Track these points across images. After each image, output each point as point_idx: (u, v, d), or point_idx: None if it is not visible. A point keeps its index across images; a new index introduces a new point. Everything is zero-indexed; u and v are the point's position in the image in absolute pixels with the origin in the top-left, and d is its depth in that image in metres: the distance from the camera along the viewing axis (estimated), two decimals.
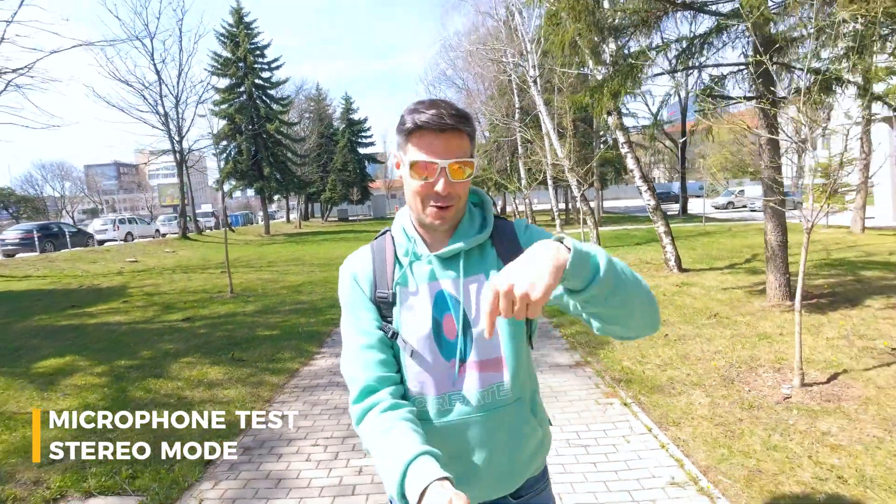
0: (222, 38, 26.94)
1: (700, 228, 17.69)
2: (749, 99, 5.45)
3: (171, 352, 5.44)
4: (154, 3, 32.12)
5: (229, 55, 26.93)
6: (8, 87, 13.10)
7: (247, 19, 27.38)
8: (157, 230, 27.96)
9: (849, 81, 5.60)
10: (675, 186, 45.11)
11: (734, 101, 6.14)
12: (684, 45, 5.43)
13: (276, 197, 33.00)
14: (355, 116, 43.93)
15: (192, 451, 3.07)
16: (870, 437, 2.92)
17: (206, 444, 3.13)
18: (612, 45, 7.01)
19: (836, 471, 2.62)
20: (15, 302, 9.13)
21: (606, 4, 6.31)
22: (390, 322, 1.03)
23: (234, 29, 26.92)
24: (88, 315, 7.55)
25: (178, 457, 3.02)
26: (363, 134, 44.64)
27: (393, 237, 1.10)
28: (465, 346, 1.02)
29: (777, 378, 3.90)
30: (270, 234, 27.42)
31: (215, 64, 26.73)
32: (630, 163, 8.41)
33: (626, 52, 6.36)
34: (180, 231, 23.51)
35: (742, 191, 33.98)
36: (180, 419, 3.43)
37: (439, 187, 0.95)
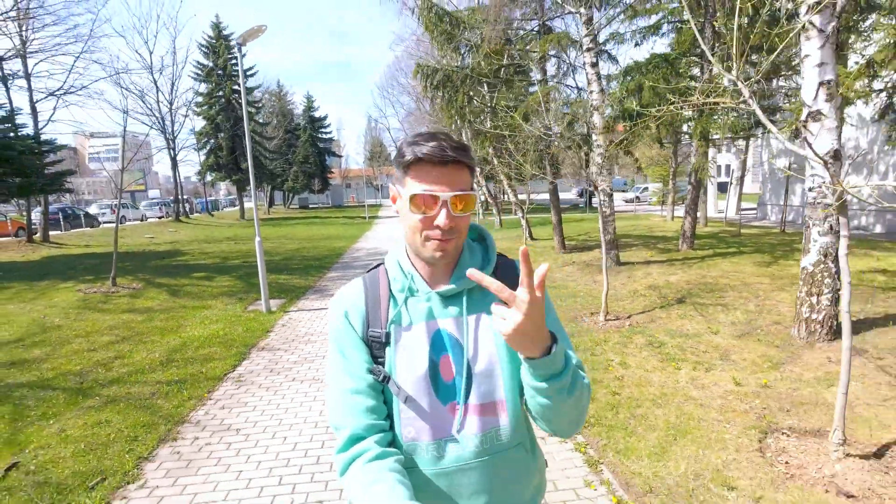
0: (204, 49, 31.20)
1: (582, 217, 24.24)
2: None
3: (254, 272, 10.89)
4: (152, 24, 35.32)
5: (210, 64, 31.23)
6: (59, 105, 17.81)
7: (225, 33, 31.71)
8: (144, 215, 32.04)
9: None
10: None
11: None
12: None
13: (247, 187, 37.33)
14: (316, 114, 48.53)
15: (295, 290, 8.78)
16: None
17: (300, 289, 8.85)
18: (489, 114, 12.90)
19: None
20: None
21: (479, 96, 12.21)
22: (382, 363, 0.99)
23: (215, 41, 31.23)
24: (182, 261, 12.78)
25: (293, 287, 8.71)
26: (323, 130, 49.33)
27: (387, 271, 1.06)
28: (464, 389, 0.97)
29: None
30: (246, 219, 32.09)
31: (198, 71, 30.99)
32: (502, 177, 14.37)
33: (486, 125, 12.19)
34: (174, 215, 27.96)
35: (647, 188, 41.50)
36: (285, 285, 9.13)
37: (441, 220, 0.92)
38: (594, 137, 8.98)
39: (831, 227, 4.79)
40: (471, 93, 10.90)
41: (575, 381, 0.90)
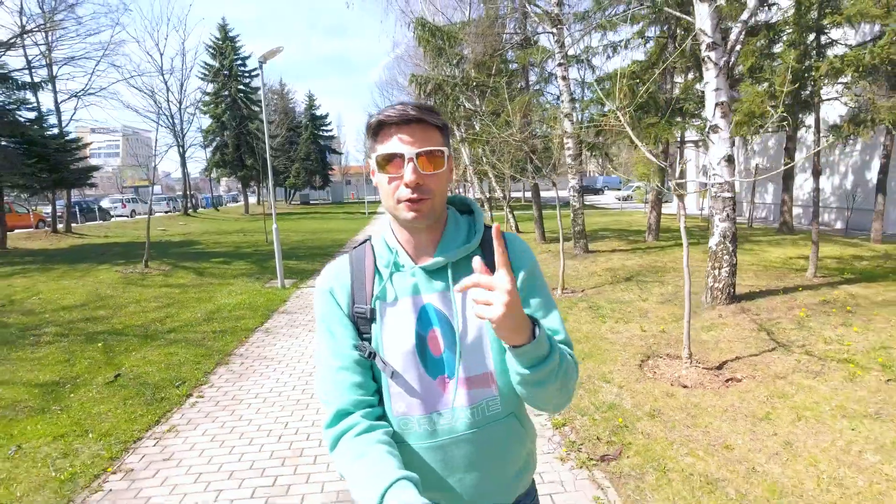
0: (211, 50, 32.50)
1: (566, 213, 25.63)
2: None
3: (269, 255, 12.25)
4: (163, 27, 36.66)
5: (217, 65, 32.53)
6: (79, 105, 19.13)
7: (231, 34, 32.99)
8: (152, 209, 33.37)
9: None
10: (599, 180, 54.95)
11: None
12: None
13: (251, 183, 38.62)
14: (317, 112, 49.85)
15: (303, 272, 10.15)
16: None
17: (308, 271, 10.21)
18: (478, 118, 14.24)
19: None
20: (139, 248, 15.40)
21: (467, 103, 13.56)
22: (368, 339, 1.00)
23: (221, 43, 32.53)
24: (199, 250, 14.12)
25: (301, 269, 10.08)
26: (324, 127, 50.66)
27: (373, 247, 1.07)
28: (453, 363, 0.98)
29: None
30: (250, 214, 33.42)
31: (205, 72, 32.29)
32: (491, 176, 15.71)
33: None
34: (183, 209, 29.31)
35: (639, 186, 43.06)
36: (294, 269, 10.50)
37: (407, 177, 0.91)
38: (565, 141, 10.32)
39: (728, 216, 6.14)
40: (461, 99, 12.25)
41: (562, 363, 0.89)
